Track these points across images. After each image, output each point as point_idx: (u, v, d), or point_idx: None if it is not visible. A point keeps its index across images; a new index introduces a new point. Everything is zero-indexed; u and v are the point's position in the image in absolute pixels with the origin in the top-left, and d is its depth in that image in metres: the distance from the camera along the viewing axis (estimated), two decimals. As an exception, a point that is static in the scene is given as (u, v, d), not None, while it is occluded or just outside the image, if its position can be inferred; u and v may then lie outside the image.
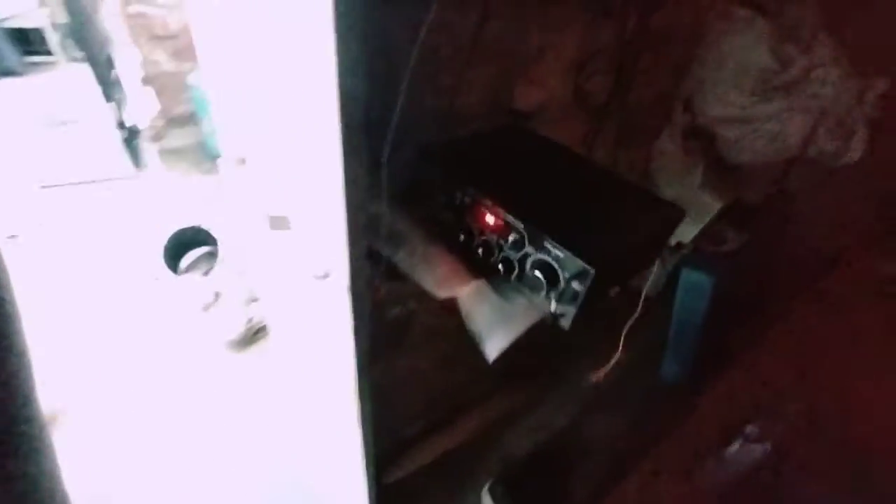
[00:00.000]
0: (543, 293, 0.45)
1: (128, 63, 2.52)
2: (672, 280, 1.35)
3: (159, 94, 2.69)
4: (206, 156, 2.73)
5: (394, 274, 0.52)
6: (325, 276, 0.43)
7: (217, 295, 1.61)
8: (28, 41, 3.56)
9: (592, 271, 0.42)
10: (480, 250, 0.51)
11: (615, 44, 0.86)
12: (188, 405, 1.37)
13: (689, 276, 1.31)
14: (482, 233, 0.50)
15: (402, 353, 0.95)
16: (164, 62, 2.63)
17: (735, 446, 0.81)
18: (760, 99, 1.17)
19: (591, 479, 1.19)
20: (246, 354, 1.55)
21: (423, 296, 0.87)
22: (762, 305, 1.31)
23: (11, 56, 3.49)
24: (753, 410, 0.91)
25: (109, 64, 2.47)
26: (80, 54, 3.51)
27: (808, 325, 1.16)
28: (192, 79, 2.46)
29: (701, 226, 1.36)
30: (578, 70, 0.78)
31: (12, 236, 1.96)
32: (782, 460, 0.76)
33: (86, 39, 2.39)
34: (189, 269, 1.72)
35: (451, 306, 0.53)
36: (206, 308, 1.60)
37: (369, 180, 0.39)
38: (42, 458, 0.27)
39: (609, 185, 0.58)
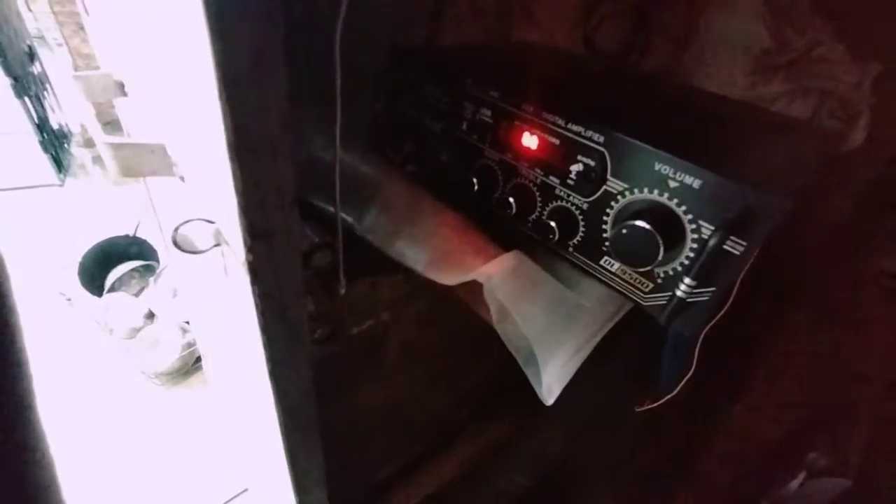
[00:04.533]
0: (656, 262, 0.24)
1: (53, 58, 2.22)
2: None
3: (92, 93, 2.40)
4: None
5: (359, 249, 0.31)
6: (214, 246, 0.24)
7: (150, 316, 1.34)
8: None
9: (784, 204, 0.21)
10: (512, 201, 0.29)
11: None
12: (113, 447, 1.10)
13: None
14: (513, 171, 0.29)
15: (372, 379, 0.76)
16: (98, 57, 2.35)
17: (799, 481, 0.66)
18: (761, 79, 1.10)
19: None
20: (183, 388, 1.29)
21: (401, 302, 0.69)
22: (764, 303, 1.20)
23: None
24: (782, 427, 0.77)
25: (29, 59, 2.18)
26: None
27: (813, 322, 1.06)
28: (130, 76, 2.20)
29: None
30: (586, 17, 0.64)
31: None
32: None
33: None
34: (116, 286, 1.45)
35: (450, 302, 0.33)
36: (134, 333, 1.33)
37: (290, 87, 0.20)
38: (40, 471, 0.26)
39: (703, 97, 0.39)
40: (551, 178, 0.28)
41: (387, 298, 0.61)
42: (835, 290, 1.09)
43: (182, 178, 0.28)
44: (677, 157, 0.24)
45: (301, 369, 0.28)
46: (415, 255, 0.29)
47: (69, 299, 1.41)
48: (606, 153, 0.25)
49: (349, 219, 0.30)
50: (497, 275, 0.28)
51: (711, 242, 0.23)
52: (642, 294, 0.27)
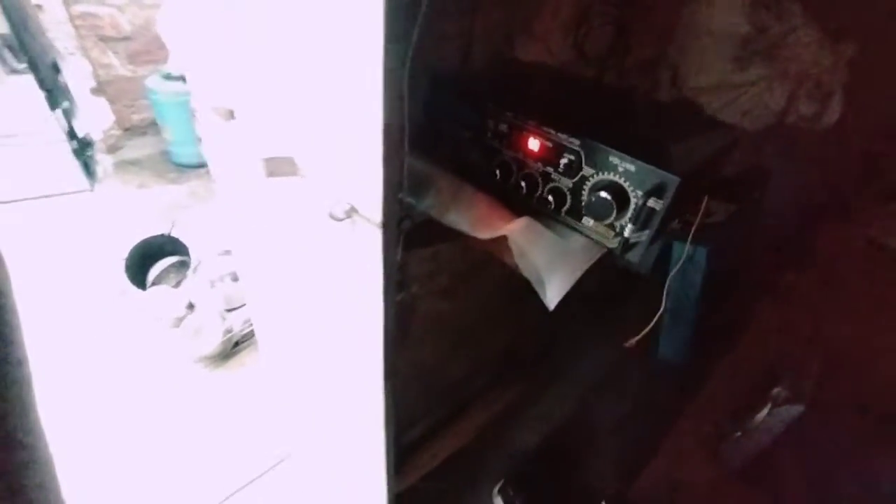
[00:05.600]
0: (612, 218, 0.38)
1: (76, 69, 2.35)
2: (660, 258, 1.33)
3: (113, 101, 2.53)
4: (169, 165, 2.57)
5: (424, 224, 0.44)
6: (351, 213, 0.36)
7: (191, 306, 1.48)
8: None
9: (676, 181, 0.34)
10: (522, 185, 0.44)
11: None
12: (164, 426, 1.24)
13: (682, 249, 1.29)
14: (523, 165, 0.43)
15: (404, 346, 0.88)
16: (118, 66, 2.47)
17: (763, 412, 0.78)
18: (741, 65, 1.18)
19: (607, 468, 1.14)
20: (223, 370, 1.43)
21: (427, 277, 0.81)
22: (756, 275, 1.31)
23: None
24: (769, 378, 0.88)
25: (55, 71, 2.30)
26: (21, 65, 3.32)
27: (802, 290, 1.16)
28: (151, 83, 2.31)
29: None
30: (577, 26, 0.74)
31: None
32: (814, 419, 0.73)
33: (27, 48, 2.22)
34: (158, 281, 1.59)
35: (483, 258, 0.46)
36: (179, 322, 1.47)
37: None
38: (40, 471, 0.26)
39: (653, 108, 0.53)
40: (548, 168, 0.42)
41: (416, 273, 0.73)
42: (821, 256, 1.19)
43: (303, 177, 0.41)
44: (622, 152, 0.38)
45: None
46: (460, 221, 0.43)
47: (122, 293, 1.55)
48: (581, 151, 0.40)
49: (412, 200, 0.43)
50: (517, 230, 0.42)
51: (641, 202, 0.37)
52: (608, 240, 0.42)
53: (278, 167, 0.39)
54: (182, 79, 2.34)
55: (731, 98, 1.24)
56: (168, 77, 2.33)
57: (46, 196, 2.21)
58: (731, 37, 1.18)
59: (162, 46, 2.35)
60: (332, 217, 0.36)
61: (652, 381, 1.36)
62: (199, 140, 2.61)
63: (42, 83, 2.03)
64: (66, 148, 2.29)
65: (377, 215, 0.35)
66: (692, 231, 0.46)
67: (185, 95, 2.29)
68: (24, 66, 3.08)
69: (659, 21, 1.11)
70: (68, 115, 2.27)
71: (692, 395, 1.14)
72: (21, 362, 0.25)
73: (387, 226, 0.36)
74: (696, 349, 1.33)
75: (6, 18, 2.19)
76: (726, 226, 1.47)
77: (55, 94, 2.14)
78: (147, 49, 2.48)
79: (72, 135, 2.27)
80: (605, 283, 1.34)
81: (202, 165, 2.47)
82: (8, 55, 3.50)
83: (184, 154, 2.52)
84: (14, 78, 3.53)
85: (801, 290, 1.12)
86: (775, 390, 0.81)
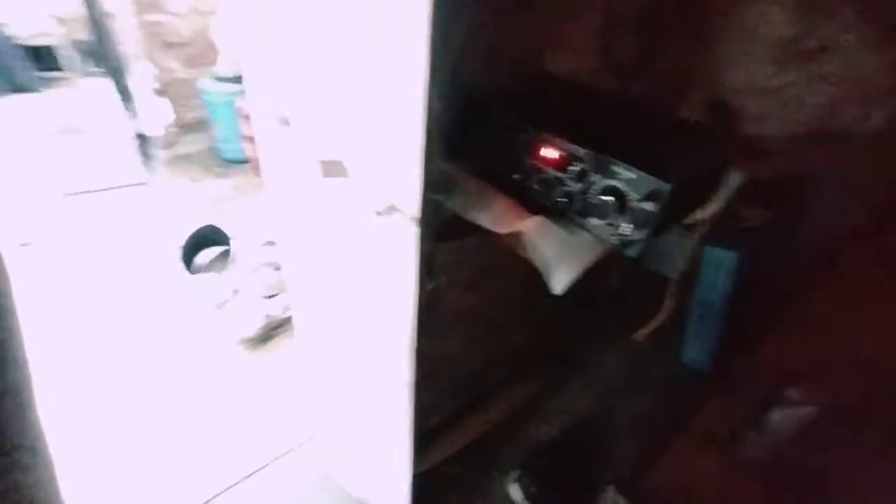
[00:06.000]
0: (613, 218, 0.44)
1: (142, 72, 2.57)
2: (692, 263, 1.33)
3: (172, 101, 2.74)
4: (216, 160, 2.76)
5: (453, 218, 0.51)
6: (390, 209, 0.43)
7: (234, 292, 1.60)
8: (41, 58, 3.66)
9: (668, 187, 0.40)
10: (538, 188, 0.50)
11: (645, 6, 0.85)
12: (206, 400, 1.36)
13: (712, 254, 1.28)
14: (539, 170, 0.49)
15: (428, 334, 0.94)
16: (178, 70, 2.68)
17: (777, 413, 0.79)
18: (784, 68, 1.16)
19: (621, 462, 1.16)
20: (262, 352, 1.54)
21: (455, 266, 0.86)
22: (787, 283, 1.28)
23: (24, 73, 3.59)
24: (787, 379, 0.88)
25: (125, 75, 2.52)
26: (96, 68, 3.67)
27: (833, 301, 1.13)
28: (203, 84, 2.50)
29: (721, 202, 1.34)
30: (607, 34, 0.77)
31: (25, 244, 1.98)
32: (828, 423, 0.73)
33: (103, 53, 2.44)
34: (205, 268, 1.73)
35: (505, 249, 0.52)
36: (222, 306, 1.60)
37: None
38: (38, 470, 0.27)
39: (663, 120, 0.57)
40: (560, 174, 0.47)
41: (443, 263, 0.79)
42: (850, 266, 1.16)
43: (350, 177, 0.48)
44: (625, 162, 0.44)
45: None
46: (482, 218, 0.51)
47: (175, 277, 1.69)
48: (590, 160, 0.46)
49: (441, 198, 0.49)
50: (531, 226, 0.49)
51: (638, 205, 0.43)
52: (610, 237, 0.45)
53: (332, 169, 0.46)
54: (231, 80, 2.51)
55: (773, 101, 1.23)
56: (219, 78, 2.50)
57: (109, 188, 2.43)
58: (776, 37, 1.16)
59: (214, 50, 2.53)
60: (375, 213, 0.43)
61: (670, 379, 1.36)
62: (244, 138, 2.80)
63: (117, 84, 2.23)
64: (129, 144, 2.50)
65: (414, 211, 0.42)
66: (702, 233, 0.50)
67: (233, 96, 2.46)
68: (99, 69, 3.39)
69: (692, 22, 1.11)
70: (132, 113, 2.48)
71: (709, 394, 1.14)
72: (20, 362, 0.25)
73: (422, 221, 0.42)
74: (723, 356, 1.32)
75: (86, 27, 2.42)
76: (760, 231, 1.45)
77: (123, 94, 2.35)
78: (202, 52, 2.68)
79: (134, 132, 2.48)
80: (628, 281, 1.35)
81: (245, 161, 2.63)
82: (85, 59, 3.87)
83: (230, 150, 2.69)
84: (88, 80, 3.90)
85: (829, 299, 1.10)
86: (789, 391, 0.81)
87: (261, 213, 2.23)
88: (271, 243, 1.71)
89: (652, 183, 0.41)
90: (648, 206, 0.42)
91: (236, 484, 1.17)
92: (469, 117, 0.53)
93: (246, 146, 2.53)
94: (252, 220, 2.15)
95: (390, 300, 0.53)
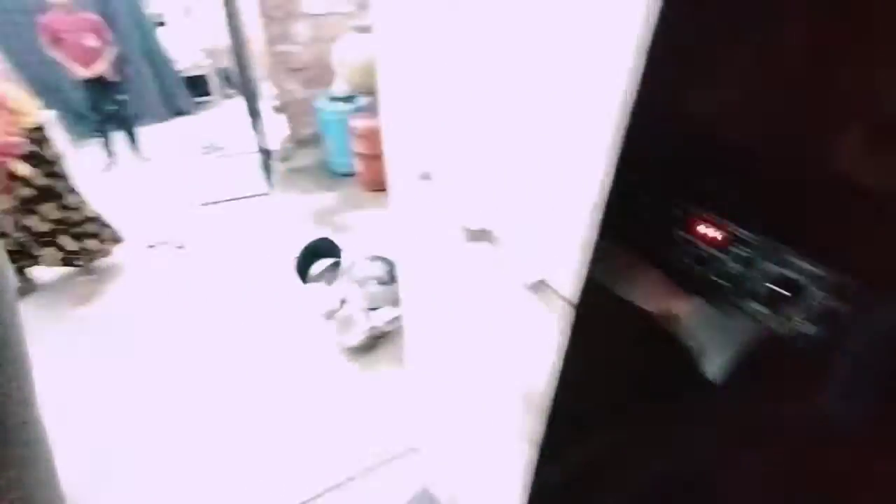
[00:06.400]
0: (784, 308, 0.38)
1: (267, 94, 2.90)
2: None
3: (290, 119, 3.04)
4: (326, 173, 2.99)
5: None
6: (540, 284, 0.38)
7: (342, 303, 1.69)
8: (195, 86, 4.47)
9: (857, 286, 0.33)
10: (693, 264, 0.45)
11: None
12: (310, 403, 1.44)
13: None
14: (695, 246, 0.44)
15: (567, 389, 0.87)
16: (297, 91, 2.96)
17: None
18: None
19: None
20: (364, 361, 1.59)
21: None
22: None
23: (185, 100, 4.42)
24: None
25: (256, 97, 2.86)
26: (233, 92, 4.39)
27: None
28: (318, 103, 2.73)
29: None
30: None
31: (180, 247, 2.31)
32: None
33: (240, 78, 2.80)
34: (315, 277, 1.85)
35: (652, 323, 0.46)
36: (330, 315, 1.69)
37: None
38: (37, 467, 0.27)
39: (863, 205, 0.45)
40: (717, 252, 0.42)
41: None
42: None
43: (497, 245, 0.45)
44: (804, 252, 0.36)
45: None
46: (632, 293, 0.47)
47: (288, 285, 1.84)
48: (757, 245, 0.39)
49: (606, 283, 0.44)
50: (689, 310, 0.44)
51: (817, 302, 0.35)
52: (777, 326, 0.39)
53: (478, 236, 0.42)
54: (344, 100, 2.70)
55: None
56: (333, 98, 2.71)
57: (237, 199, 2.75)
58: None
59: (330, 72, 2.75)
60: (524, 285, 0.38)
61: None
62: (353, 153, 2.94)
63: (246, 106, 2.52)
64: (256, 158, 2.81)
65: (567, 290, 0.36)
66: None
67: (345, 114, 2.64)
68: (234, 91, 3.92)
69: None
70: (259, 131, 2.79)
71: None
72: (19, 362, 0.25)
73: (580, 306, 0.36)
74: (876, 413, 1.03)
75: (229, 59, 2.80)
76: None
77: (253, 114, 2.65)
78: (319, 75, 2.93)
79: (260, 148, 2.79)
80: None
81: (352, 174, 2.81)
82: (226, 84, 4.62)
83: (339, 164, 2.89)
84: (226, 102, 4.62)
85: None
86: None
87: (369, 227, 2.35)
88: (377, 258, 1.77)
89: (833, 277, 0.35)
90: (832, 302, 0.35)
91: (337, 486, 1.20)
92: (628, 187, 0.47)
93: (354, 161, 2.70)
94: (360, 233, 2.28)
95: (522, 370, 0.48)
